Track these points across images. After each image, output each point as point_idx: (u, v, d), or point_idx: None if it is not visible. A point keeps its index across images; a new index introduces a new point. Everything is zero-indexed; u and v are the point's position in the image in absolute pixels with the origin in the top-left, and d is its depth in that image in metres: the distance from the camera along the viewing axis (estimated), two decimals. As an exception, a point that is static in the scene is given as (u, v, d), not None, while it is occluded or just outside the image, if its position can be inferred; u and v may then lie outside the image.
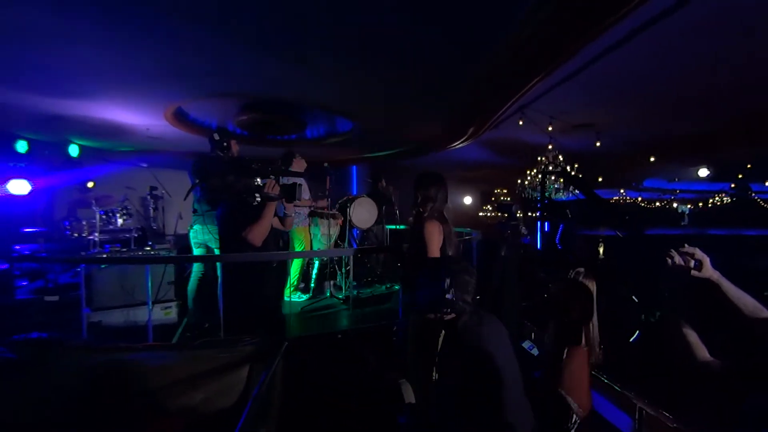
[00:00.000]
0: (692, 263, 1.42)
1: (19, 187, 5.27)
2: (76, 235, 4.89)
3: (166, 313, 3.88)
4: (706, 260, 1.41)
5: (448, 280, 1.66)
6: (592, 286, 2.13)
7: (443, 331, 2.21)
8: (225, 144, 3.71)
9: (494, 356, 1.52)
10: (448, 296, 1.65)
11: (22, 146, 5.68)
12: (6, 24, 2.92)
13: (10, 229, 5.42)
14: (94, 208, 4.77)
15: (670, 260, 1.44)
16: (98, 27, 3.02)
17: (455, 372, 1.56)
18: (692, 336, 1.46)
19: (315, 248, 4.75)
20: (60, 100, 4.61)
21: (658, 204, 16.60)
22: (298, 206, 4.33)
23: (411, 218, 2.50)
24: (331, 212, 4.77)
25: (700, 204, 16.02)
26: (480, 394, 1.50)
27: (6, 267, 4.25)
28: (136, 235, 5.15)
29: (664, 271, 1.44)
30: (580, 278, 2.13)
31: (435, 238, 2.32)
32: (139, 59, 3.63)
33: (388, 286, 5.04)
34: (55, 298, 3.99)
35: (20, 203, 5.56)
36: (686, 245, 1.43)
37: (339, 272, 4.86)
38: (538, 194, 8.68)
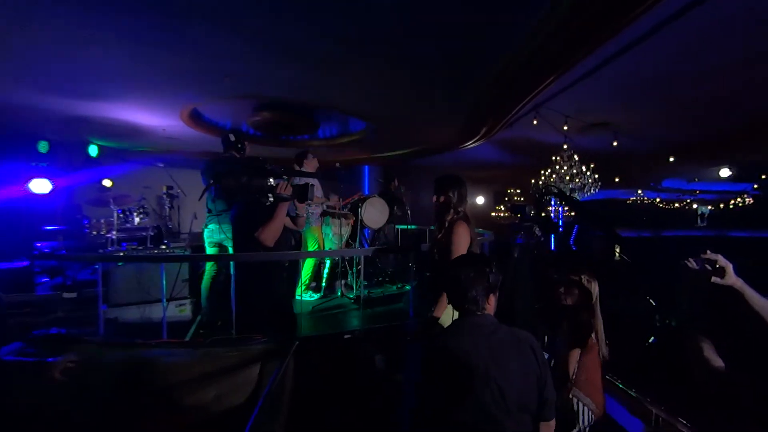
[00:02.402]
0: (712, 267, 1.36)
1: (41, 186, 5.44)
2: (94, 233, 5.01)
3: (180, 311, 3.94)
4: (729, 267, 1.34)
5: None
6: (595, 287, 2.11)
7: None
8: (240, 145, 3.75)
9: (469, 369, 1.40)
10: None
11: (43, 146, 5.86)
12: (30, 28, 3.01)
13: (31, 226, 5.58)
14: (112, 206, 4.87)
15: (689, 266, 1.38)
16: (119, 31, 3.09)
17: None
18: (708, 345, 1.41)
19: (327, 248, 4.77)
20: (80, 101, 4.73)
21: (677, 205, 16.24)
22: (312, 204, 4.35)
23: (445, 223, 2.40)
24: (342, 212, 4.78)
25: (721, 205, 15.60)
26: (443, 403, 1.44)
27: (27, 264, 4.37)
28: (152, 234, 5.24)
29: (683, 277, 1.38)
30: (583, 280, 2.11)
31: (464, 241, 2.27)
32: (157, 62, 3.70)
33: (399, 286, 5.03)
34: (74, 294, 4.09)
35: (41, 201, 5.73)
36: (708, 251, 1.37)
37: (350, 272, 4.86)
38: (552, 195, 8.56)
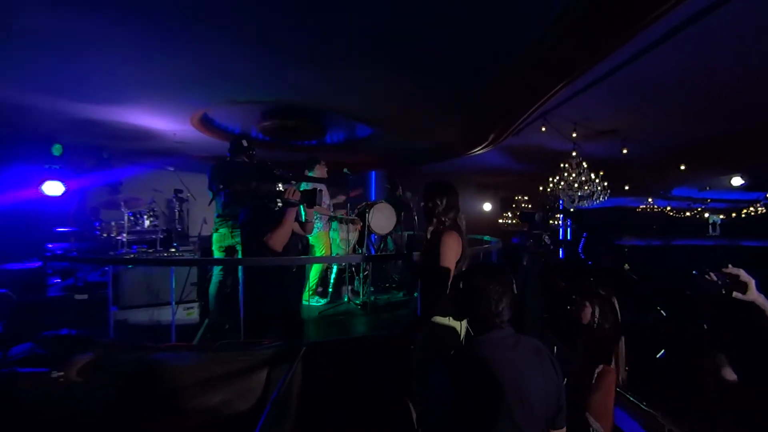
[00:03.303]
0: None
1: (54, 188, 5.51)
2: (105, 235, 5.08)
3: (188, 314, 3.97)
4: (752, 283, 1.31)
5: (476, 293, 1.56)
6: (615, 303, 2.05)
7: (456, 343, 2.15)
8: (252, 151, 3.79)
9: (501, 386, 1.38)
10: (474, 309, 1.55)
11: (56, 149, 5.95)
12: (43, 32, 3.07)
13: (44, 228, 5.66)
14: (122, 209, 4.94)
15: (710, 279, 1.34)
16: (131, 36, 3.14)
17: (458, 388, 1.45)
18: (723, 362, 1.38)
19: (334, 253, 4.77)
20: (94, 106, 4.81)
21: (688, 213, 16.03)
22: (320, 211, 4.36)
23: (429, 229, 2.37)
24: (349, 217, 4.79)
25: (733, 214, 15.37)
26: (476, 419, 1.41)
27: (40, 265, 4.43)
28: (161, 237, 5.29)
29: (702, 290, 1.35)
30: (604, 294, 2.05)
31: (453, 250, 2.22)
32: (169, 67, 3.76)
33: (405, 292, 5.02)
34: (85, 296, 4.14)
35: (54, 203, 5.81)
36: (730, 265, 1.33)
37: (357, 277, 4.86)
38: (561, 201, 8.54)
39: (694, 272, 1.41)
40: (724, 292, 1.33)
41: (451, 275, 2.15)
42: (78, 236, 5.72)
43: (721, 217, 15.55)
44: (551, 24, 2.92)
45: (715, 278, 1.35)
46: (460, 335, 2.19)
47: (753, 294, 1.31)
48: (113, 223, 5.09)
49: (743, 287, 1.31)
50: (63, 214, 6.15)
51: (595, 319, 2.00)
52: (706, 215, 15.80)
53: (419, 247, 2.69)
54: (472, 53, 3.49)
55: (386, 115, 5.44)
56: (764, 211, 14.07)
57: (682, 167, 8.85)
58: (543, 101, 4.49)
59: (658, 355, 3.23)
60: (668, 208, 16.19)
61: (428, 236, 2.39)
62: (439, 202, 2.31)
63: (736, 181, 9.75)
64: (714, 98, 4.80)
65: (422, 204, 2.39)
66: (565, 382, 1.61)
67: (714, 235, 14.92)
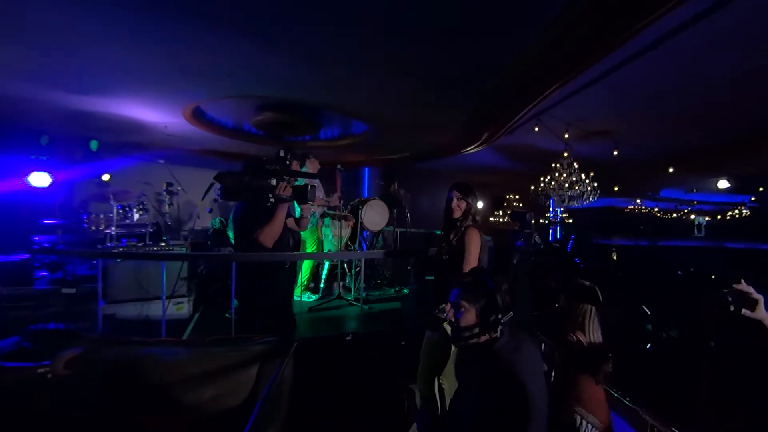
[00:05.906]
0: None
1: (40, 179, 5.41)
2: (93, 228, 4.99)
3: (177, 309, 3.93)
4: (761, 300, 1.31)
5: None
6: (598, 300, 2.07)
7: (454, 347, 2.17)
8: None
9: (526, 388, 1.40)
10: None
11: (43, 140, 5.84)
12: (37, 24, 3.01)
13: (30, 220, 5.56)
14: (111, 202, 4.86)
15: (721, 294, 1.34)
16: (124, 28, 3.10)
17: (478, 393, 1.47)
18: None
19: (326, 249, 4.77)
20: (84, 96, 4.73)
21: (675, 215, 16.31)
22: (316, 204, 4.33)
23: (466, 224, 2.46)
24: (342, 214, 4.78)
25: (718, 216, 15.68)
26: (500, 424, 1.41)
27: (27, 257, 4.35)
28: (151, 230, 5.22)
29: (709, 305, 1.36)
30: (585, 293, 2.07)
31: (477, 247, 2.36)
32: (161, 59, 3.71)
33: (396, 289, 5.03)
34: (72, 290, 4.07)
35: (41, 195, 5.71)
36: (742, 281, 1.33)
37: (348, 273, 4.86)
38: (551, 200, 8.63)
39: (679, 272, 1.44)
40: (732, 308, 1.33)
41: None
42: (65, 229, 5.62)
43: (707, 218, 15.86)
44: (547, 28, 2.94)
45: (726, 294, 1.34)
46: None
47: (762, 312, 1.31)
48: (102, 216, 5.01)
49: (753, 304, 1.32)
50: (50, 206, 6.04)
51: (578, 315, 2.01)
52: (692, 217, 16.10)
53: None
54: (469, 57, 3.51)
55: (381, 113, 5.44)
56: (748, 213, 14.37)
57: (671, 169, 9.00)
58: (537, 102, 4.54)
59: (647, 347, 3.31)
60: (656, 209, 16.46)
61: (454, 233, 2.49)
62: (472, 202, 2.48)
63: (722, 184, 9.95)
64: (706, 104, 4.89)
65: (456, 200, 2.49)
66: (552, 378, 1.64)
67: (699, 236, 15.22)
